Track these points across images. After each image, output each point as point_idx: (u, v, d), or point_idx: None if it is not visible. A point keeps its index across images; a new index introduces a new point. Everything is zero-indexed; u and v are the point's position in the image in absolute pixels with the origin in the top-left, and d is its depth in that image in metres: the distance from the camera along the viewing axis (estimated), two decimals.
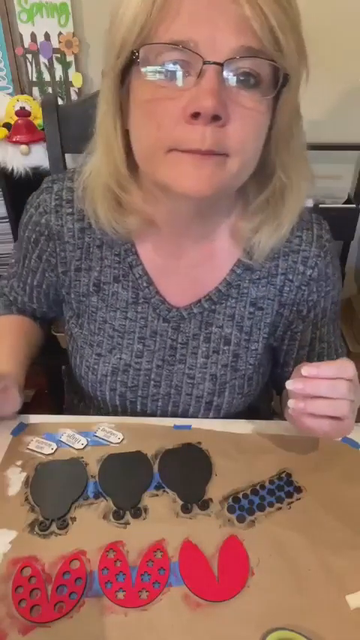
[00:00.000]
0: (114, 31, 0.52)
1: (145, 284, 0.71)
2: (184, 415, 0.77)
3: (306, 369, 0.55)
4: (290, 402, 0.57)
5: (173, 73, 0.50)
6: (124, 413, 0.78)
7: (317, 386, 0.55)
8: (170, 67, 0.49)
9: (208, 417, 0.76)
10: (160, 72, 0.50)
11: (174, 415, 0.77)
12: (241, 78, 0.50)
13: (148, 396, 0.76)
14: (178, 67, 0.49)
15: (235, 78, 0.49)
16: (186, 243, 0.69)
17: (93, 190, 0.64)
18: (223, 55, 0.48)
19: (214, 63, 0.48)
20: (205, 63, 0.48)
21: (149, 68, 0.50)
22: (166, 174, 0.55)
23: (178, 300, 0.72)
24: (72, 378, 0.85)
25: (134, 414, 0.77)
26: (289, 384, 0.57)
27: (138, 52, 0.50)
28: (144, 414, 0.77)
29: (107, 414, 0.79)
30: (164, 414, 0.77)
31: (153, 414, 0.77)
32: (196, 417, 0.76)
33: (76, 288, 0.74)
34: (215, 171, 0.53)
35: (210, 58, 0.47)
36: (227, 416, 0.76)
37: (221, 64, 0.48)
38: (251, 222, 0.65)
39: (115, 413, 0.79)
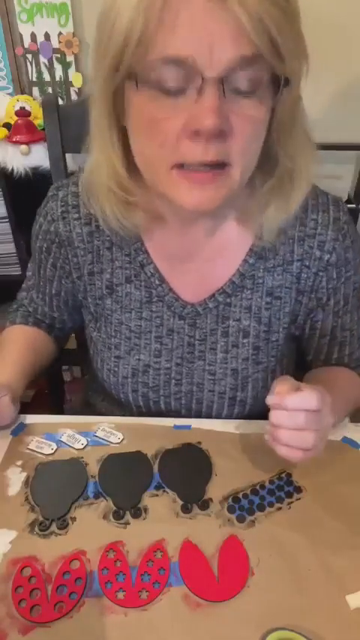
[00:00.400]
0: (105, 39, 0.49)
1: (157, 282, 0.70)
2: (209, 412, 0.76)
3: (269, 398, 0.56)
4: (267, 426, 0.58)
5: (172, 89, 0.48)
6: (149, 412, 0.78)
7: (278, 416, 0.56)
8: (169, 83, 0.48)
9: (233, 413, 0.75)
10: (158, 88, 0.48)
11: (198, 413, 0.76)
12: (241, 88, 0.49)
13: (170, 394, 0.75)
14: (177, 82, 0.48)
15: (234, 89, 0.49)
16: (195, 236, 0.68)
17: (97, 189, 0.63)
18: (221, 67, 0.46)
19: (214, 78, 0.46)
20: (204, 79, 0.46)
21: (147, 84, 0.48)
22: (170, 191, 0.55)
23: (192, 296, 0.71)
24: (96, 378, 0.84)
25: (159, 413, 0.77)
26: (268, 400, 0.57)
27: (133, 67, 0.48)
28: (169, 412, 0.77)
29: (132, 413, 0.79)
30: (188, 412, 0.77)
31: (178, 412, 0.77)
32: (221, 413, 0.76)
33: (91, 292, 0.74)
34: (219, 188, 0.54)
35: (209, 74, 0.46)
36: (254, 411, 0.75)
37: (221, 79, 0.47)
38: (259, 202, 0.63)
39: (139, 413, 0.79)
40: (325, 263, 0.69)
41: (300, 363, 0.83)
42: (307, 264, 0.69)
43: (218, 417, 0.76)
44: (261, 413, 0.74)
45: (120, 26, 0.46)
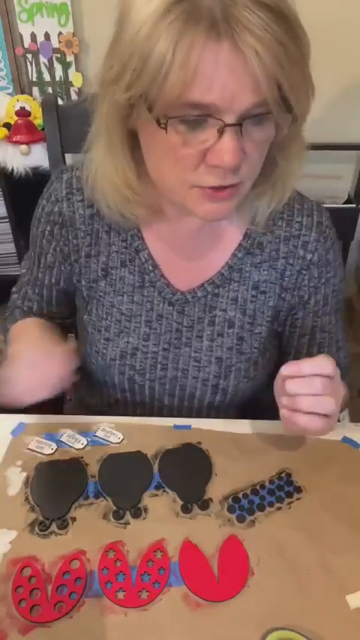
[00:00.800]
0: (130, 69, 0.51)
1: (150, 267, 0.73)
2: (192, 398, 0.78)
3: (284, 368, 0.57)
4: (283, 400, 0.58)
5: (195, 126, 0.52)
6: (133, 398, 0.79)
7: (295, 384, 0.56)
8: (191, 120, 0.52)
9: (215, 401, 0.77)
10: (181, 122, 0.52)
11: (182, 398, 0.78)
12: (255, 122, 0.53)
13: (155, 379, 0.77)
14: (198, 120, 0.52)
15: (250, 125, 0.53)
16: (189, 228, 0.71)
17: (103, 185, 0.65)
18: (240, 113, 0.51)
19: (235, 124, 0.51)
20: (226, 125, 0.51)
21: (169, 121, 0.51)
22: (189, 204, 0.60)
23: (182, 284, 0.73)
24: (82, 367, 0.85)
25: (142, 398, 0.79)
26: (275, 385, 0.59)
27: (156, 102, 0.51)
28: (152, 398, 0.78)
29: (115, 401, 0.81)
30: (172, 397, 0.78)
31: (161, 398, 0.78)
32: (203, 400, 0.77)
33: (86, 275, 0.76)
34: (232, 200, 0.59)
35: (229, 120, 0.51)
36: (234, 400, 0.77)
37: (240, 123, 0.51)
38: (251, 199, 0.67)
39: (123, 399, 0.80)
40: (307, 262, 0.73)
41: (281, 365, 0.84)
42: (291, 262, 0.73)
43: (200, 403, 0.78)
44: (241, 402, 0.79)
45: (153, 67, 0.49)
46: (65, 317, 0.86)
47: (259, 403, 0.79)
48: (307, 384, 0.56)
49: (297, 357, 0.80)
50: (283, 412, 0.59)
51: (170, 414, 0.79)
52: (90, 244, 0.74)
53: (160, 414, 0.79)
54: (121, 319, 0.75)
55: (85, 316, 0.78)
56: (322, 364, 0.57)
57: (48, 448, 0.68)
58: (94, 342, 0.77)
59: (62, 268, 0.77)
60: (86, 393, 0.89)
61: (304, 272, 0.73)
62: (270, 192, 0.66)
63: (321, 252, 0.73)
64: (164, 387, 0.77)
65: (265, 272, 0.73)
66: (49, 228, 0.75)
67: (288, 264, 0.73)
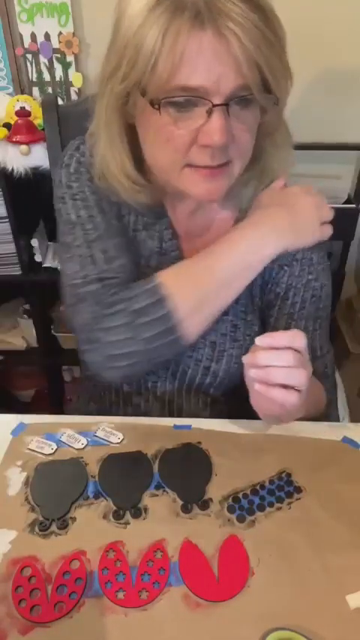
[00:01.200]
0: (125, 60, 0.57)
1: (169, 236, 0.75)
2: (183, 377, 0.78)
3: (259, 339, 0.57)
4: (252, 372, 0.57)
5: (185, 108, 0.57)
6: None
7: (267, 355, 0.56)
8: (182, 103, 0.57)
9: (204, 382, 0.78)
10: (172, 104, 0.57)
11: (174, 374, 0.79)
12: (242, 104, 0.58)
13: None
14: (188, 103, 0.57)
15: (237, 107, 0.58)
16: (183, 216, 0.75)
17: (108, 174, 0.69)
18: (226, 95, 0.56)
19: (222, 104, 0.56)
20: (214, 105, 0.56)
21: (162, 102, 0.57)
22: (183, 185, 0.64)
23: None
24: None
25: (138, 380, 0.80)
26: (245, 358, 0.58)
27: (149, 88, 0.57)
28: (147, 376, 0.79)
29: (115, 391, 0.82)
30: (165, 371, 0.79)
31: (156, 371, 0.79)
32: (194, 380, 0.78)
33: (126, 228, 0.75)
34: (224, 180, 0.64)
35: (217, 101, 0.56)
36: (223, 384, 0.79)
37: (226, 104, 0.56)
38: (240, 182, 0.71)
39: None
40: (291, 257, 0.73)
41: None
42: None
43: (191, 382, 0.79)
44: (229, 387, 0.80)
45: (144, 56, 0.54)
46: None
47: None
48: (279, 355, 0.56)
49: None
50: (257, 387, 0.57)
51: (163, 392, 0.81)
52: (119, 203, 0.73)
53: (154, 392, 0.81)
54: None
55: None
56: (295, 336, 0.56)
57: (48, 448, 0.68)
58: None
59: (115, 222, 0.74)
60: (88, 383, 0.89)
61: (285, 267, 0.74)
62: (258, 177, 0.71)
63: (306, 250, 0.73)
64: (157, 365, 0.78)
65: None
66: (87, 175, 0.72)
67: None
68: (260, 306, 0.78)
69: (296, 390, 0.57)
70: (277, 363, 0.56)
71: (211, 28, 0.52)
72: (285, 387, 0.56)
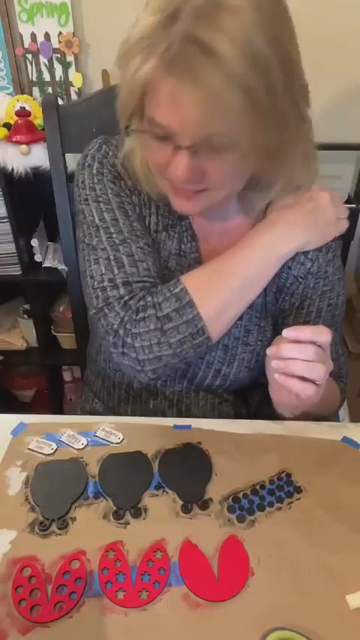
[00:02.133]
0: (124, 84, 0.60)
1: (189, 238, 0.76)
2: (193, 378, 0.79)
3: (286, 331, 0.59)
4: (274, 363, 0.59)
5: (162, 139, 0.59)
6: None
7: (291, 348, 0.58)
8: (157, 133, 0.58)
9: (213, 384, 0.79)
10: (150, 134, 0.59)
11: (184, 375, 0.79)
12: (210, 149, 0.57)
13: None
14: (162, 135, 0.58)
15: (206, 147, 0.57)
16: (202, 220, 0.76)
17: (135, 166, 0.72)
18: (189, 141, 0.56)
19: (185, 147, 0.57)
20: (177, 147, 0.57)
21: (141, 131, 0.61)
22: (167, 193, 0.67)
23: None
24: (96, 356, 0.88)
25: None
26: (269, 350, 0.60)
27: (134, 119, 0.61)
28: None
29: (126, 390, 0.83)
30: (173, 372, 0.79)
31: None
32: (203, 382, 0.79)
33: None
34: (200, 202, 0.65)
35: (181, 142, 0.57)
36: (231, 387, 0.80)
37: (191, 147, 0.57)
38: (261, 197, 0.71)
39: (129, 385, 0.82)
40: (306, 270, 0.74)
41: None
42: (290, 265, 0.73)
43: (200, 384, 0.80)
44: (241, 388, 0.82)
45: (134, 87, 0.57)
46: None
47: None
48: (301, 349, 0.58)
49: None
50: (277, 376, 0.59)
51: (172, 392, 0.81)
52: (140, 204, 0.76)
53: (163, 391, 0.81)
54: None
55: None
56: (320, 331, 0.58)
57: (48, 448, 0.68)
58: None
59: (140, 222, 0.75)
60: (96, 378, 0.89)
61: (300, 279, 0.75)
62: (278, 189, 0.69)
63: (321, 262, 0.74)
64: None
65: None
66: (110, 177, 0.74)
67: (286, 267, 0.73)
68: (274, 313, 0.78)
69: (315, 383, 0.59)
70: (300, 356, 0.58)
71: (177, 76, 0.52)
72: (304, 379, 0.58)
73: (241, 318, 0.75)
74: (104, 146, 0.75)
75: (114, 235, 0.70)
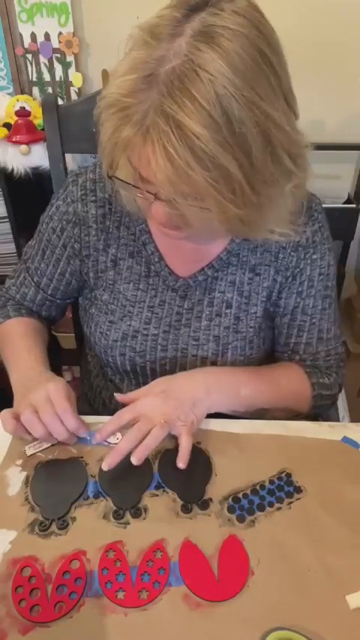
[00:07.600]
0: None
1: (156, 259, 0.78)
2: None
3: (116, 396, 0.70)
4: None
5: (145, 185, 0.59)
6: (136, 380, 0.84)
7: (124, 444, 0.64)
8: (137, 183, 0.60)
9: None
10: (132, 180, 0.60)
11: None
12: (187, 202, 0.57)
13: (156, 360, 0.81)
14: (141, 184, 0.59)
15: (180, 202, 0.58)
16: None
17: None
18: (165, 195, 0.57)
19: (160, 200, 0.58)
20: (155, 198, 0.58)
21: (124, 182, 0.61)
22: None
23: (185, 271, 0.79)
24: (90, 352, 0.93)
25: (145, 380, 0.82)
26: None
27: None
28: (154, 378, 0.79)
29: (121, 381, 0.86)
30: (170, 374, 0.79)
31: (161, 373, 0.81)
32: None
33: (94, 267, 0.81)
34: (180, 235, 0.66)
35: (159, 194, 0.57)
36: None
37: (166, 200, 0.58)
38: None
39: (128, 380, 0.85)
40: (296, 244, 0.77)
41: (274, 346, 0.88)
42: (284, 245, 0.77)
43: None
44: None
45: (113, 146, 0.58)
46: (60, 298, 0.89)
47: None
48: (128, 435, 0.64)
49: (280, 338, 0.85)
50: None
51: None
52: (100, 239, 0.79)
53: None
54: (126, 304, 0.80)
55: (93, 300, 0.83)
56: (120, 415, 0.67)
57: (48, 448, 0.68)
58: (98, 323, 0.82)
59: (71, 262, 0.82)
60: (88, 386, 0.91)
61: (292, 253, 0.78)
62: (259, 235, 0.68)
63: (308, 233, 0.77)
64: (164, 367, 0.81)
65: (261, 255, 0.78)
66: (61, 225, 0.80)
67: (281, 248, 0.77)
68: (269, 295, 0.80)
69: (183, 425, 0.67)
70: (132, 441, 0.63)
71: (150, 145, 0.53)
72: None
73: (230, 307, 0.78)
74: (70, 187, 0.79)
75: (29, 261, 0.87)
